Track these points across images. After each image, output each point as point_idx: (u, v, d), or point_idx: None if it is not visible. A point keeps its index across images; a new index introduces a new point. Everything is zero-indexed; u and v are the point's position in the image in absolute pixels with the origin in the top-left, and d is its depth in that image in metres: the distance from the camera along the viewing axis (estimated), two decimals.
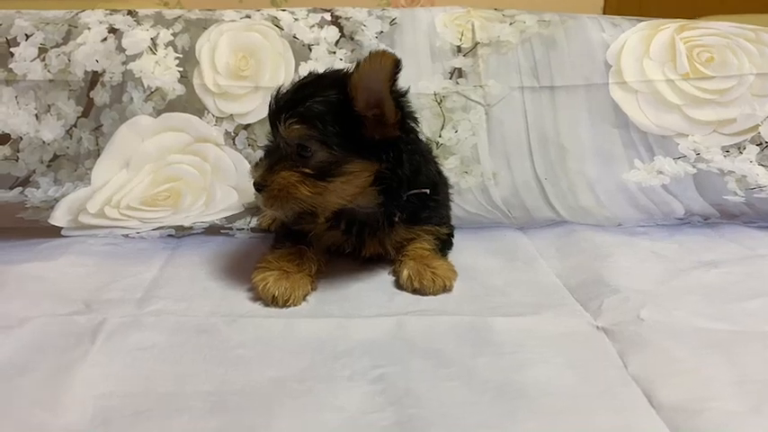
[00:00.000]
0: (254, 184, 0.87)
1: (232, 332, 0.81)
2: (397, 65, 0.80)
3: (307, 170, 0.84)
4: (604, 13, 1.74)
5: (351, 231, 0.97)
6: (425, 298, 0.91)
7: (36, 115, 1.41)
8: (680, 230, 1.20)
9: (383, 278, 0.98)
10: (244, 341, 0.79)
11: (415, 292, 0.92)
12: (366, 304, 0.89)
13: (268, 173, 0.86)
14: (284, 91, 0.88)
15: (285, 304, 0.87)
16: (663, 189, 1.35)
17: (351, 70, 0.84)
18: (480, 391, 0.69)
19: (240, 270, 0.97)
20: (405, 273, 0.93)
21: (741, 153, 1.42)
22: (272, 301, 0.87)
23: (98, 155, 1.38)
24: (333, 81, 0.87)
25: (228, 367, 0.73)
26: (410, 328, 0.82)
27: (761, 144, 1.43)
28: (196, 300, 0.90)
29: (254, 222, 1.21)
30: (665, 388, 0.69)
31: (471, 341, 0.79)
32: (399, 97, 0.86)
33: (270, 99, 0.88)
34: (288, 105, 0.85)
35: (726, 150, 1.43)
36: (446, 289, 0.92)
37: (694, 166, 1.40)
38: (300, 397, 0.68)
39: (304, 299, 0.89)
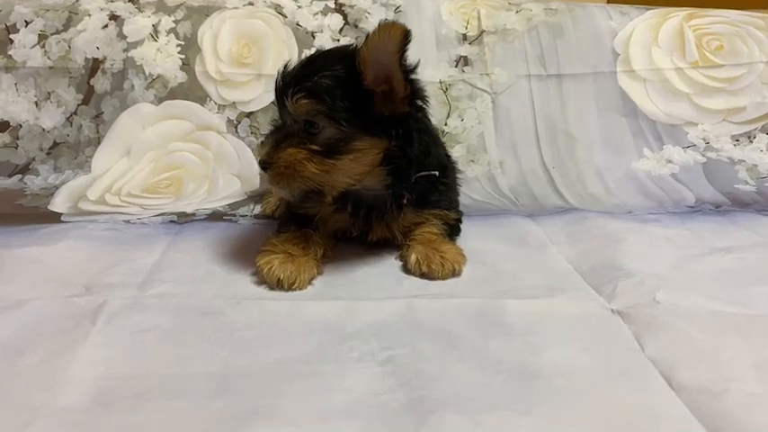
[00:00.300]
0: (260, 162, 0.85)
1: (236, 314, 0.79)
2: (406, 36, 0.77)
3: (314, 147, 0.82)
4: (609, 2, 1.72)
5: (358, 215, 0.94)
6: (434, 282, 0.89)
7: (36, 102, 1.39)
8: (691, 218, 1.18)
9: (390, 263, 0.96)
10: (249, 323, 0.77)
11: (423, 276, 0.90)
12: (374, 288, 0.87)
13: (274, 150, 0.83)
14: (291, 67, 0.86)
15: (290, 287, 0.84)
16: (672, 178, 1.34)
17: (359, 45, 0.82)
18: (493, 372, 0.67)
19: (244, 254, 0.95)
20: (413, 257, 0.91)
21: (751, 142, 1.41)
22: (278, 285, 0.84)
23: (98, 142, 1.36)
24: (341, 56, 0.85)
25: (233, 349, 0.71)
26: (419, 310, 0.80)
27: None
28: (199, 283, 0.88)
29: (257, 209, 1.19)
30: (685, 369, 0.67)
31: (482, 323, 0.77)
32: (409, 71, 0.83)
33: (276, 76, 0.86)
34: (295, 80, 0.83)
35: (736, 139, 1.41)
36: (455, 273, 0.90)
37: (704, 155, 1.38)
38: (307, 378, 0.66)
39: (310, 283, 0.87)
